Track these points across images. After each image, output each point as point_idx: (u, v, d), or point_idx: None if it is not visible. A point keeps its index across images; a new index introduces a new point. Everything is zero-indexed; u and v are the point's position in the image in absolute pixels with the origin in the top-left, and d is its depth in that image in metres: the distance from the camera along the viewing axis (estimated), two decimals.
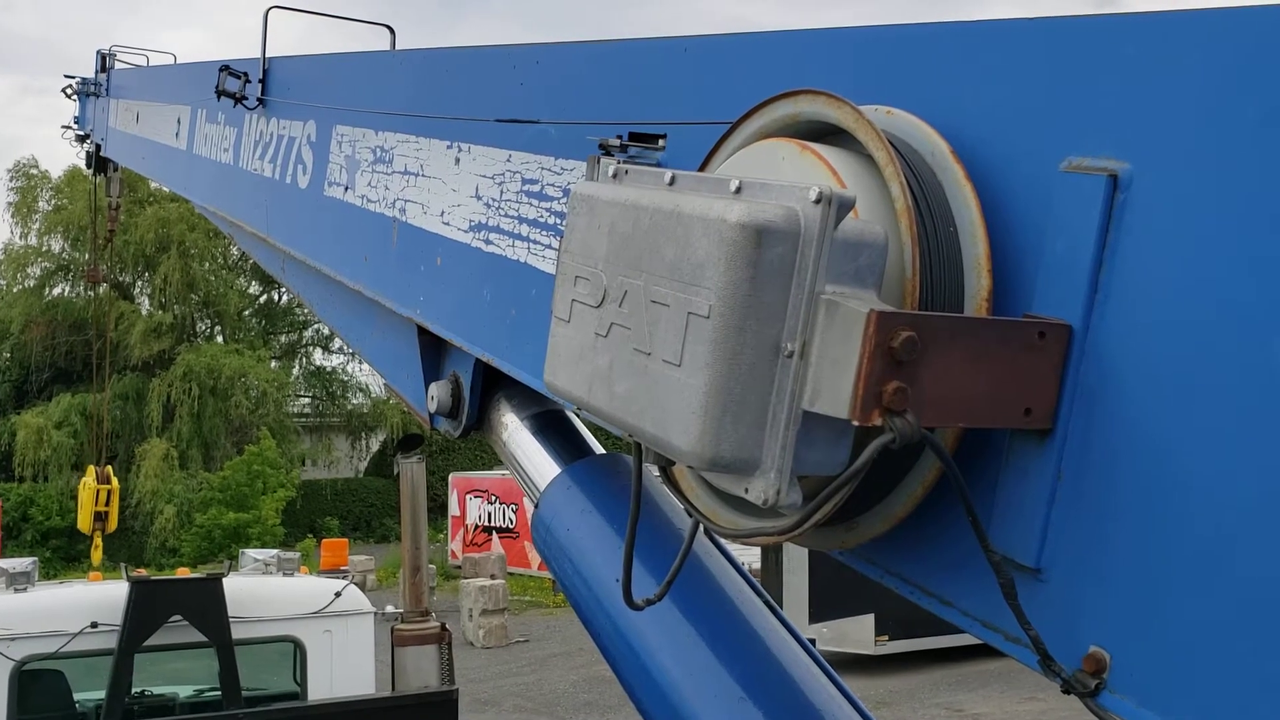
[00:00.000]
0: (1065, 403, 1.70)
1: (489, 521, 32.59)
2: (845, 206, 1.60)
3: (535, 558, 29.73)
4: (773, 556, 19.33)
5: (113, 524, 14.94)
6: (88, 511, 15.09)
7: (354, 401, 47.78)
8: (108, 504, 15.03)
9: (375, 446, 48.15)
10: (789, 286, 1.61)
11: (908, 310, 1.70)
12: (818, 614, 19.15)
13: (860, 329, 1.54)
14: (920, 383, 1.57)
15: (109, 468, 15.47)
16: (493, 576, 26.24)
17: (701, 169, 2.14)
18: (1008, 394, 1.66)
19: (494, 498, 32.41)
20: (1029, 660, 1.72)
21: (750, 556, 16.72)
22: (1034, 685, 17.99)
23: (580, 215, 2.01)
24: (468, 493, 33.40)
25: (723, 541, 3.12)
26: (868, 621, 19.81)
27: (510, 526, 31.75)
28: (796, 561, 19.07)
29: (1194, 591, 1.55)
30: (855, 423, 1.55)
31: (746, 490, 1.66)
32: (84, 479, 15.55)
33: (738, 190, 1.71)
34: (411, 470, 11.52)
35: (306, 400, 48.78)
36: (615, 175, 2.02)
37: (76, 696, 8.17)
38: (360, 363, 43.43)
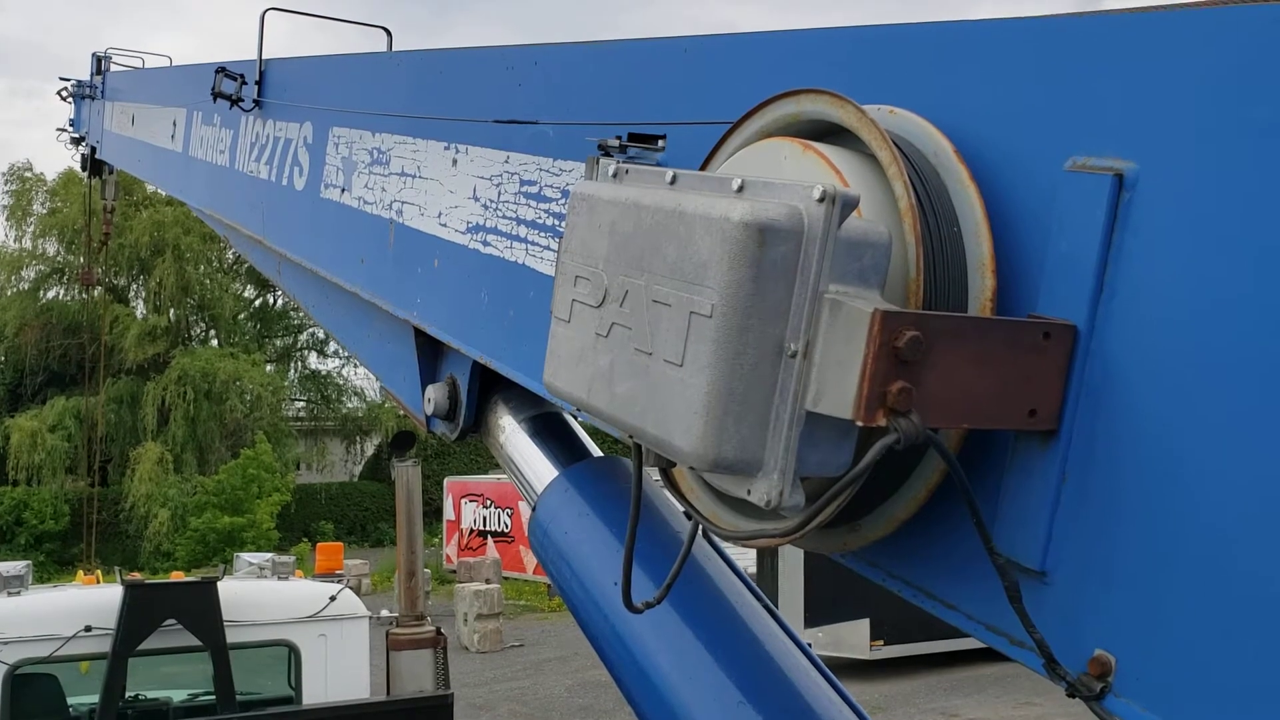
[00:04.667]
0: (1070, 404, 1.68)
1: (484, 526, 32.54)
2: (849, 205, 1.59)
3: (530, 562, 29.69)
4: (768, 560, 19.31)
5: None
6: None
7: (349, 405, 47.79)
8: None
9: (370, 450, 48.13)
10: (792, 286, 1.60)
11: (912, 310, 1.69)
12: (813, 618, 19.13)
13: (864, 329, 1.53)
14: (924, 383, 1.55)
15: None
16: (488, 581, 26.18)
17: (702, 169, 2.12)
18: (1012, 395, 1.65)
19: (489, 502, 32.37)
20: (1034, 664, 1.70)
21: (745, 560, 16.69)
22: (1030, 690, 17.98)
23: (580, 215, 1.99)
24: (463, 497, 33.35)
25: (721, 544, 3.11)
26: (863, 626, 19.79)
27: (505, 531, 31.70)
28: (792, 565, 19.05)
29: (1199, 594, 1.54)
30: (859, 423, 1.54)
31: (749, 492, 1.65)
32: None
33: (740, 189, 1.69)
34: (407, 474, 11.51)
35: (301, 404, 48.76)
36: (615, 175, 2.01)
37: (70, 701, 8.13)
38: (355, 366, 43.46)
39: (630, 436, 1.87)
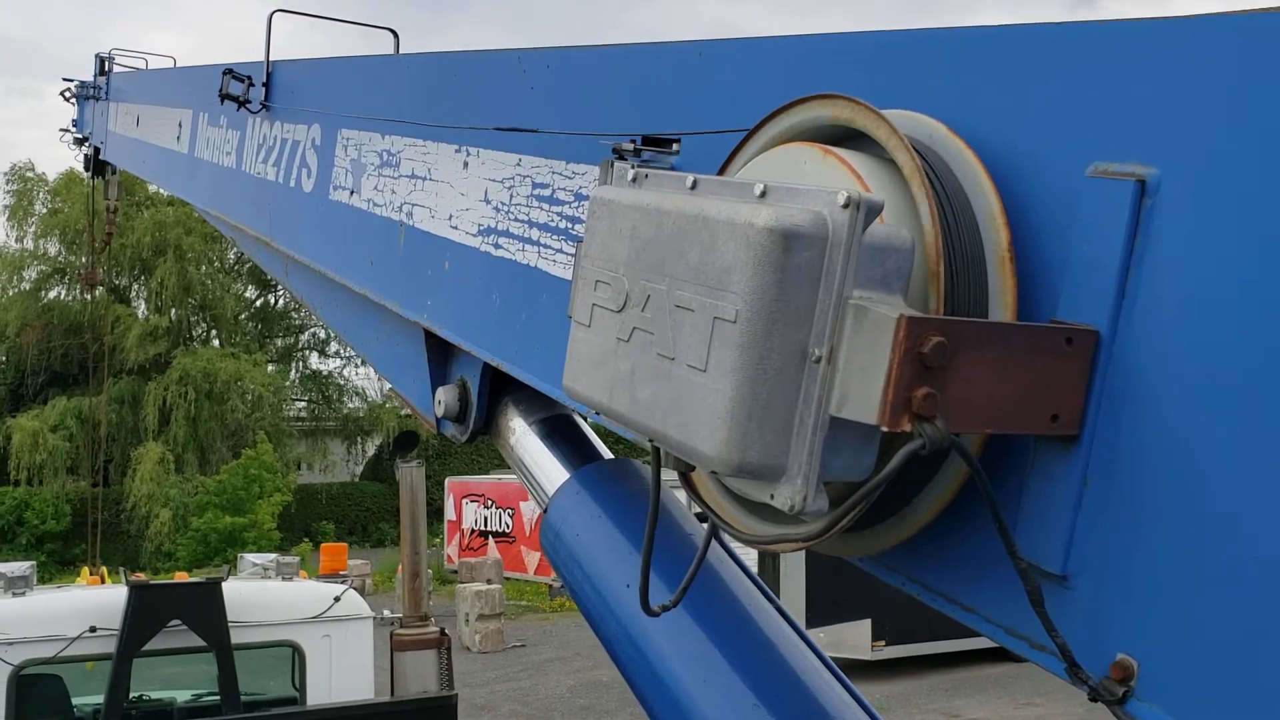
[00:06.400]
0: (1092, 409, 1.69)
1: (485, 526, 32.53)
2: (873, 211, 1.59)
3: (531, 562, 29.69)
4: (769, 561, 19.28)
5: None
6: None
7: (350, 405, 47.80)
8: None
9: (371, 450, 48.14)
10: (816, 291, 1.60)
11: (936, 316, 1.69)
12: (815, 619, 19.08)
13: (890, 334, 1.53)
14: (948, 388, 1.56)
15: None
16: (489, 581, 26.18)
17: (720, 174, 2.12)
18: (1035, 400, 1.65)
19: (490, 502, 32.36)
20: (1055, 668, 1.71)
21: (746, 560, 16.64)
22: (1031, 690, 17.97)
23: (600, 219, 2.00)
24: (464, 497, 33.34)
25: (732, 546, 3.11)
26: (865, 626, 19.78)
27: (507, 531, 31.69)
28: (793, 565, 19.03)
29: (1222, 598, 1.54)
30: (884, 429, 1.54)
31: (772, 496, 1.65)
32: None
33: (763, 194, 1.69)
34: (410, 475, 11.51)
35: (302, 404, 48.75)
36: (635, 179, 2.01)
37: (74, 701, 8.13)
38: (357, 367, 43.51)
39: (652, 441, 1.87)
